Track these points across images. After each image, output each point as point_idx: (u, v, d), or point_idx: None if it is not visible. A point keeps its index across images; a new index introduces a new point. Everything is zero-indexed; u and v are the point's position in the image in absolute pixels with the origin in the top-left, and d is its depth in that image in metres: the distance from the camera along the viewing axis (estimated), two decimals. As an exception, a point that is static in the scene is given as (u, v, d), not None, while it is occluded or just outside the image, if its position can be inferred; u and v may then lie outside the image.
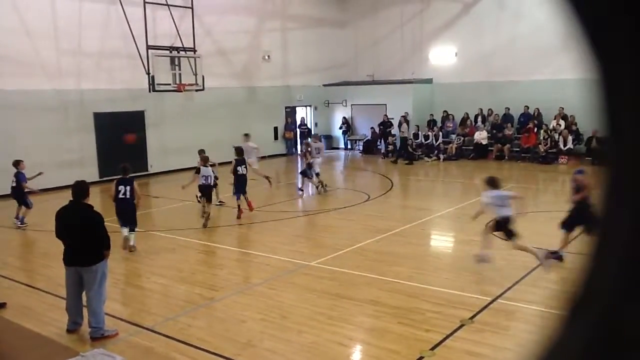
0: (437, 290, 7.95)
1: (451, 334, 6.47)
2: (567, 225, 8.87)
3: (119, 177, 10.60)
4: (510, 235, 8.70)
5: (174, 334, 6.78)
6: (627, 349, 0.53)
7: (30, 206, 13.14)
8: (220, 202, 14.63)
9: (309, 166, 16.00)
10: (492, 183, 9.05)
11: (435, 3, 25.11)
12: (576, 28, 0.55)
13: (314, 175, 16.05)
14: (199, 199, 13.30)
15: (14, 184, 13.08)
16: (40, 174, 13.50)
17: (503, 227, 8.74)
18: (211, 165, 12.91)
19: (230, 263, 9.95)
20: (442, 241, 11.71)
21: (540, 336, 0.62)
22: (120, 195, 10.36)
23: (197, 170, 12.87)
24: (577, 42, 0.56)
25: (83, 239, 6.76)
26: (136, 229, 10.72)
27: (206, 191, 12.71)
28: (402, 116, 24.22)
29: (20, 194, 13.09)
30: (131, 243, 10.50)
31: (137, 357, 6.24)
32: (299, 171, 16.81)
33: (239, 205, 13.24)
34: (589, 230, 7.30)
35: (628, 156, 0.55)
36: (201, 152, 13.64)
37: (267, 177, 15.95)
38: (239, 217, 13.12)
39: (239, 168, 13.32)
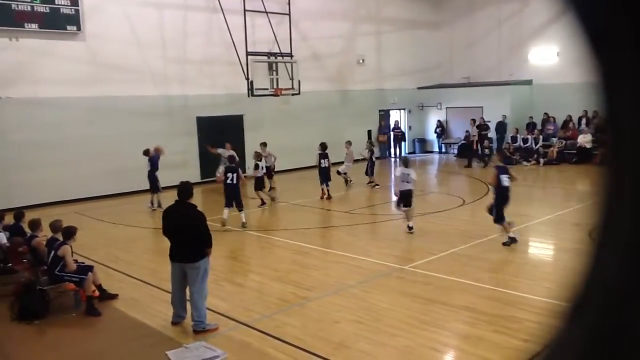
0: (535, 299, 7.67)
1: (551, 345, 6.22)
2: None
3: (228, 165, 13.03)
4: (407, 204, 11.74)
5: (270, 330, 7.00)
6: (627, 348, 0.53)
7: (160, 190, 15.11)
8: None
9: (373, 165, 18.02)
10: (405, 162, 12.03)
11: (535, 1, 24.14)
12: (577, 29, 0.56)
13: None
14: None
15: (149, 168, 15.19)
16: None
17: (405, 198, 11.65)
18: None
19: (324, 264, 10.10)
20: (541, 249, 11.26)
21: (543, 336, 0.62)
22: (228, 181, 12.42)
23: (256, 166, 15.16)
24: (579, 43, 0.56)
25: (187, 237, 7.12)
26: (243, 209, 12.83)
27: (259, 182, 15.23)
28: (472, 119, 23.88)
29: (153, 179, 15.13)
30: (243, 220, 12.71)
31: (235, 351, 6.50)
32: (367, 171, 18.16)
33: (322, 189, 16.00)
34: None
35: (628, 156, 0.55)
36: (263, 145, 16.52)
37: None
38: (322, 198, 15.87)
39: (322, 161, 15.52)
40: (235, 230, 12.74)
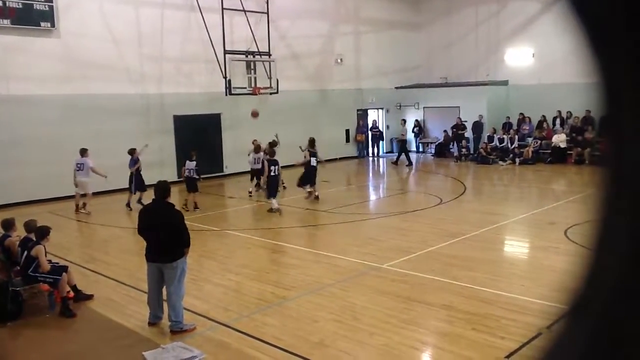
0: (512, 297, 7.76)
1: (528, 342, 6.30)
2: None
3: (269, 159, 14.28)
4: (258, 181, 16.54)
5: (249, 330, 6.96)
6: (627, 347, 0.53)
7: (133, 192, 15.15)
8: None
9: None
10: (257, 150, 16.07)
11: (512, 3, 24.44)
12: (576, 27, 0.56)
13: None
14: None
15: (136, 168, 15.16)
16: (146, 145, 15.81)
17: (255, 175, 16.38)
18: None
19: (302, 263, 10.08)
20: (517, 247, 11.41)
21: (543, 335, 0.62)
22: (272, 173, 13.80)
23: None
24: (578, 42, 0.56)
25: (164, 236, 7.03)
26: (276, 198, 14.10)
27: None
28: (403, 119, 25.28)
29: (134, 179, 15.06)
30: (276, 206, 13.97)
31: (213, 351, 6.45)
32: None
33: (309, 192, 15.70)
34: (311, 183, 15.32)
35: (628, 156, 0.55)
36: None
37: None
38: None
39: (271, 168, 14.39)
40: (213, 229, 12.67)
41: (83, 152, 14.90)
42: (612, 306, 0.55)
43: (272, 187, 14.02)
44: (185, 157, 18.57)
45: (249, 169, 17.24)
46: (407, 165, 23.00)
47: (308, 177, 15.22)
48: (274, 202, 14.01)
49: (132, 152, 15.19)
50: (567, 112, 22.86)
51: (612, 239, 0.57)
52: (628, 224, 0.55)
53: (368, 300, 7.88)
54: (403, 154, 23.33)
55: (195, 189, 14.84)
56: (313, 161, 15.08)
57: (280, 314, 7.60)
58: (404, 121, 25.12)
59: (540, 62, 23.82)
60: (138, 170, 15.16)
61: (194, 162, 14.81)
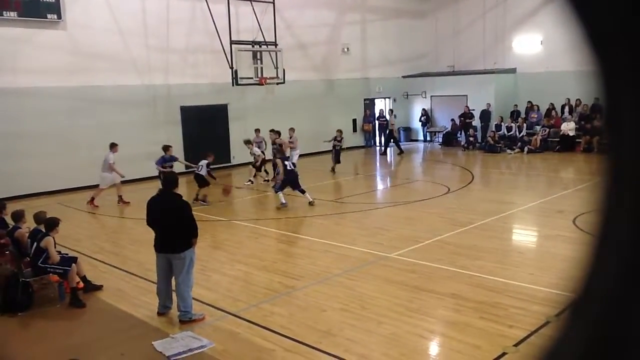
0: (520, 286, 7.74)
1: (536, 330, 6.29)
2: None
3: (282, 156, 14.21)
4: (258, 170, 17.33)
5: (257, 320, 6.99)
6: (627, 348, 0.52)
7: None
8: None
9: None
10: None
11: (520, -10, 24.21)
12: (575, 23, 0.55)
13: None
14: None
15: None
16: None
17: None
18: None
19: (310, 253, 10.09)
20: (525, 236, 11.37)
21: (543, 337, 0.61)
22: (288, 168, 13.62)
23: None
24: (577, 38, 0.55)
25: (172, 227, 7.06)
26: (306, 191, 13.70)
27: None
28: (390, 109, 25.28)
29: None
30: (310, 200, 13.59)
31: (222, 340, 6.49)
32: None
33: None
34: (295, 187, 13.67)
35: (628, 154, 0.54)
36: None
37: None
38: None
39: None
40: (221, 220, 12.70)
41: (110, 146, 14.72)
42: (613, 308, 0.54)
43: (285, 182, 13.57)
44: (192, 148, 18.71)
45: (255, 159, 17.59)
46: (381, 154, 23.44)
47: (289, 183, 13.68)
48: (282, 196, 13.62)
49: (166, 148, 14.93)
50: (576, 100, 22.67)
51: (613, 237, 0.56)
52: (629, 223, 0.54)
53: (376, 289, 7.89)
54: (392, 141, 23.70)
55: (201, 185, 14.53)
56: (289, 165, 13.76)
57: (289, 303, 7.62)
58: (391, 111, 24.96)
59: (549, 50, 23.57)
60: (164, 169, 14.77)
61: (206, 161, 14.43)
